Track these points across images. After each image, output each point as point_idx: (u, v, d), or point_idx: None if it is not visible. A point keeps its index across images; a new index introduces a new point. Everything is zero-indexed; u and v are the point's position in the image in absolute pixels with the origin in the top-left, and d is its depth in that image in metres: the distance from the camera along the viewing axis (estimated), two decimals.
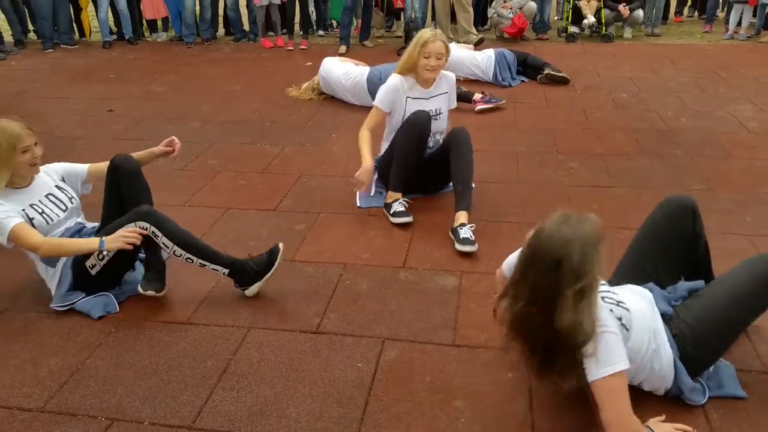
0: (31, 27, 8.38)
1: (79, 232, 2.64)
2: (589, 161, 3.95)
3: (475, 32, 7.19)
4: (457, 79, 3.53)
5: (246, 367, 2.22)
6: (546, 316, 1.71)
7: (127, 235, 2.42)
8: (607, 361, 1.72)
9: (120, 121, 5.02)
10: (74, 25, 8.42)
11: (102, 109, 5.36)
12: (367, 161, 3.21)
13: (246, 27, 8.26)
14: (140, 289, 2.55)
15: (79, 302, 2.54)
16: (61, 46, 7.96)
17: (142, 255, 2.64)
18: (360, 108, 4.93)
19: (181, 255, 2.51)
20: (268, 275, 2.59)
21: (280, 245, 2.64)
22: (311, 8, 8.17)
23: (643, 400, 1.93)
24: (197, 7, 7.90)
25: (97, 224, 2.69)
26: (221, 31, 8.67)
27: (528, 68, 5.88)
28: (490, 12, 7.96)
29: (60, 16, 7.86)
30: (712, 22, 8.25)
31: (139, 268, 2.70)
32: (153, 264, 2.58)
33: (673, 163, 3.91)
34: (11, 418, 2.02)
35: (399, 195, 3.27)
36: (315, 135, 4.57)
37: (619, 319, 1.81)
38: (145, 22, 8.58)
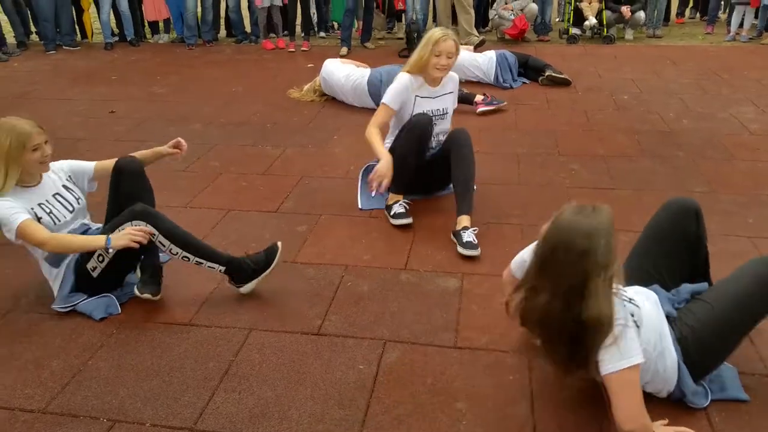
0: (33, 29, 8.39)
1: (84, 233, 2.63)
2: (590, 163, 3.95)
3: (477, 34, 7.19)
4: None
5: (247, 369, 2.22)
6: (571, 308, 1.70)
7: (134, 233, 2.41)
8: (625, 354, 1.71)
9: (122, 123, 5.03)
10: (76, 26, 8.45)
11: (104, 110, 5.37)
12: (385, 155, 3.15)
13: (247, 28, 8.28)
14: (136, 292, 2.55)
15: (81, 303, 2.54)
16: (63, 47, 7.97)
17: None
18: (361, 110, 4.92)
19: (177, 253, 2.51)
20: (266, 273, 2.59)
21: (279, 244, 2.64)
22: (313, 10, 8.19)
23: (645, 402, 1.92)
24: (199, 9, 7.91)
25: (101, 225, 2.69)
26: (223, 32, 8.68)
27: (529, 70, 5.88)
28: (492, 13, 7.97)
29: (62, 17, 7.88)
30: (714, 23, 8.24)
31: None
32: (149, 266, 2.58)
33: (675, 164, 3.91)
34: (13, 419, 2.03)
35: (400, 196, 3.27)
36: (316, 137, 4.57)
37: (632, 315, 1.80)
38: (146, 24, 8.61)
